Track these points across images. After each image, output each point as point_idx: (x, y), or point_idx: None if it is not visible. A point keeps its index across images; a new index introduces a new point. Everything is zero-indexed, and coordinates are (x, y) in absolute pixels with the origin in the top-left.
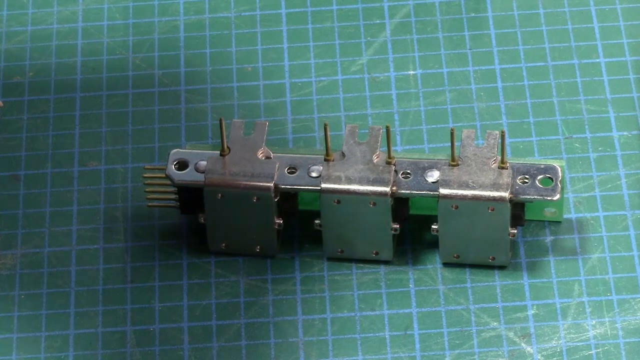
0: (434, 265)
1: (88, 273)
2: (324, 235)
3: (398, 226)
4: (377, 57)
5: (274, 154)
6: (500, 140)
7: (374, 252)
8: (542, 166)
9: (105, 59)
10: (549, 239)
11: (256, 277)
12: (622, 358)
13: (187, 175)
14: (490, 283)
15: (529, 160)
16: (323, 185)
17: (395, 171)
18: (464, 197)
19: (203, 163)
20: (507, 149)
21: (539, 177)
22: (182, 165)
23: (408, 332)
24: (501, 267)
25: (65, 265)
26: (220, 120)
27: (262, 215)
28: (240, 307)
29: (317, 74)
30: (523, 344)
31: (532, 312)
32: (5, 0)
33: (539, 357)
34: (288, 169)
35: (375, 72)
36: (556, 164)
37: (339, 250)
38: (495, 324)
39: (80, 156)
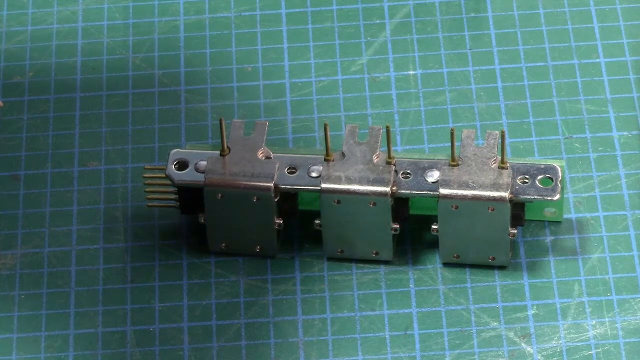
0: (434, 265)
1: (88, 273)
2: (324, 235)
3: (398, 226)
4: (377, 57)
5: (274, 154)
6: (500, 140)
7: (374, 252)
8: (542, 166)
9: (105, 59)
10: (549, 239)
11: (256, 277)
12: (622, 358)
13: (187, 175)
14: (490, 283)
15: (529, 160)
16: (323, 185)
17: (395, 171)
18: (464, 197)
19: (203, 163)
20: (507, 149)
21: (539, 177)
22: (182, 165)
23: (408, 332)
24: (501, 267)
25: (65, 265)
26: (220, 120)
27: (262, 215)
28: (240, 307)
29: (317, 74)
30: (523, 344)
31: (532, 312)
32: (5, 0)
33: (539, 357)
34: (288, 169)
35: (375, 72)
36: (556, 164)
37: (339, 250)
38: (495, 324)
39: (80, 156)
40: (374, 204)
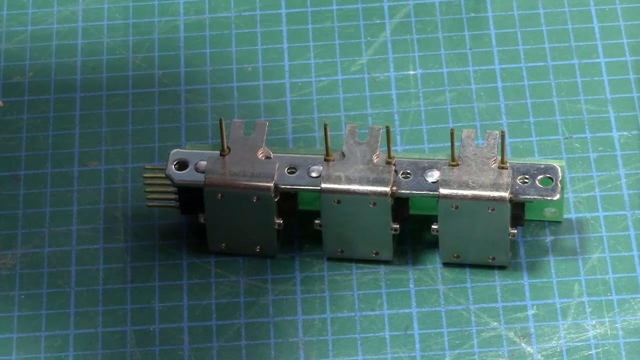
0: (434, 265)
1: (88, 273)
2: (324, 235)
3: (398, 226)
4: (377, 57)
5: (274, 154)
6: (500, 140)
7: (374, 252)
8: (542, 166)
9: (105, 59)
10: (549, 239)
11: (256, 277)
12: (622, 358)
13: (187, 175)
14: (490, 283)
15: (529, 160)
16: (323, 185)
17: (395, 171)
18: (464, 197)
19: (203, 163)
20: (507, 149)
21: (539, 177)
22: (182, 165)
23: (408, 332)
24: (501, 267)
25: (65, 265)
26: (220, 120)
27: (262, 215)
28: (240, 307)
29: (317, 74)
30: (523, 344)
31: (532, 312)
32: (5, 0)
33: (539, 357)
34: (288, 169)
35: (375, 72)
36: (556, 164)
37: (339, 250)
38: (495, 324)
39: (80, 156)
40: (374, 204)
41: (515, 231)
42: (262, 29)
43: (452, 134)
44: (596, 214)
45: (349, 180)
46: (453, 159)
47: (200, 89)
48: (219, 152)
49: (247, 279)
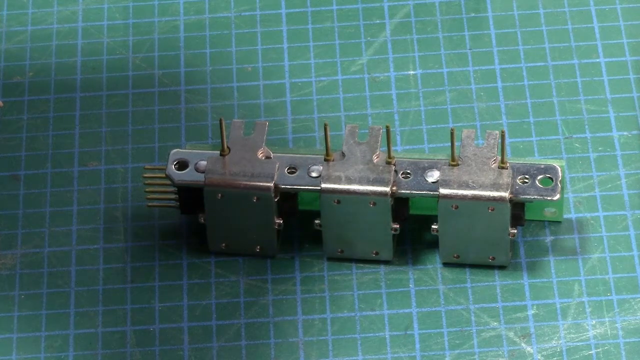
0: (434, 265)
1: (88, 273)
2: (324, 235)
3: (398, 226)
4: (377, 57)
5: (274, 154)
6: (500, 140)
7: (374, 252)
8: (542, 166)
9: (105, 59)
10: (549, 239)
11: (256, 277)
12: (622, 358)
13: (187, 175)
14: (490, 283)
15: (529, 160)
16: (323, 185)
17: (395, 171)
18: (464, 197)
19: (203, 163)
20: (507, 149)
21: (539, 177)
22: (182, 165)
23: (408, 332)
24: (501, 267)
25: (65, 265)
26: (220, 120)
27: (262, 215)
28: (240, 307)
29: (317, 74)
30: (523, 344)
31: (532, 312)
32: (5, 0)
33: (539, 357)
34: (288, 169)
35: (375, 72)
36: (556, 164)
37: (339, 250)
38: (495, 324)
39: (80, 156)
40: (374, 204)
41: (515, 231)
42: (262, 29)
43: (452, 134)
44: (596, 214)
45: (349, 180)
46: (453, 159)
47: (200, 89)
48: (219, 152)
49: (247, 279)
